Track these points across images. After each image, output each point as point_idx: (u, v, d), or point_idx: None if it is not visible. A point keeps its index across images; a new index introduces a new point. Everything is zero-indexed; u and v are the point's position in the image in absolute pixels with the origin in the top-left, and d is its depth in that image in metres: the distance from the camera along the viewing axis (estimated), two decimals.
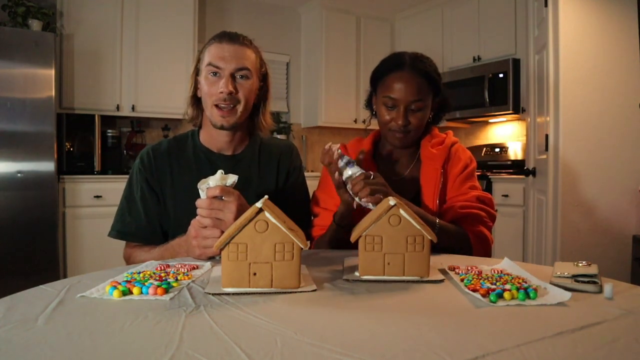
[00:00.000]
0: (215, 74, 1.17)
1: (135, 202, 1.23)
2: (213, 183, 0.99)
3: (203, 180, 1.00)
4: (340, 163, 1.06)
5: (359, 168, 1.06)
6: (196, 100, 1.26)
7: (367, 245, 0.85)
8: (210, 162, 1.26)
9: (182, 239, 1.07)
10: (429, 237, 0.84)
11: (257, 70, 1.23)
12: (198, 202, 0.99)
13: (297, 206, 1.30)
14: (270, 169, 1.31)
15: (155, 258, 1.13)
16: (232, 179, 1.01)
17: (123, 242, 1.28)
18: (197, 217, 1.01)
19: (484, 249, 1.21)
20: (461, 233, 1.18)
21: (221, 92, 1.16)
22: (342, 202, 1.13)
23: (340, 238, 1.17)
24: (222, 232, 0.96)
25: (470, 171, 1.29)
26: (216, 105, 1.18)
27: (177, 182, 1.24)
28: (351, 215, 1.14)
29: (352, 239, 0.86)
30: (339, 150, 1.07)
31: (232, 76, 1.17)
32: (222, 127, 1.20)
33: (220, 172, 1.00)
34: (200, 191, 1.00)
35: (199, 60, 1.23)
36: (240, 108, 1.19)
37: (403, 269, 0.85)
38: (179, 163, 1.26)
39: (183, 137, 1.32)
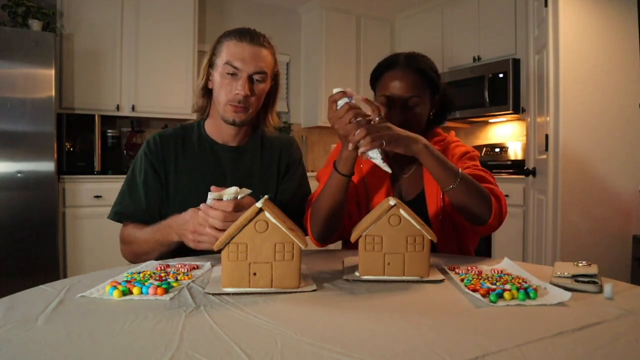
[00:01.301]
0: (232, 74, 1.17)
1: (136, 186, 1.24)
2: (226, 198, 0.97)
3: (217, 194, 0.97)
4: (341, 101, 0.97)
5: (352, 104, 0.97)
6: (207, 92, 1.27)
7: (367, 245, 0.85)
8: (214, 152, 1.28)
9: (177, 222, 1.07)
10: (429, 237, 0.84)
11: (272, 71, 1.25)
12: (206, 210, 0.97)
13: (299, 198, 1.30)
14: (271, 161, 1.32)
15: (146, 237, 1.14)
16: (245, 193, 0.99)
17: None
18: (200, 214, 0.99)
19: (499, 205, 1.08)
20: (482, 188, 1.07)
21: (237, 94, 1.17)
22: (342, 144, 1.04)
23: (338, 191, 1.07)
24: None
25: (471, 156, 1.27)
26: (230, 104, 1.19)
27: (181, 169, 1.25)
28: (352, 163, 1.04)
29: (352, 239, 0.86)
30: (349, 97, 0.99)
31: (250, 78, 1.18)
32: (233, 123, 1.22)
33: (235, 188, 0.98)
34: (209, 198, 0.98)
35: (213, 53, 1.22)
36: (252, 109, 1.22)
37: (403, 269, 0.85)
38: (184, 150, 1.27)
39: (189, 127, 1.33)
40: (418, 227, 0.84)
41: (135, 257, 1.21)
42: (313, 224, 1.15)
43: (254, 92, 1.19)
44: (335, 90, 0.99)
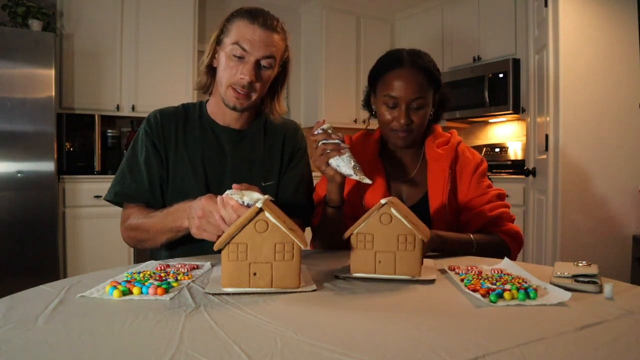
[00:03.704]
0: (240, 57, 1.12)
1: (138, 165, 1.20)
2: (247, 201, 0.91)
3: (238, 193, 0.91)
4: (319, 133, 1.08)
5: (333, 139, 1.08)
6: (211, 69, 1.22)
7: (359, 242, 0.86)
8: (215, 134, 1.24)
9: (187, 205, 1.03)
10: (420, 236, 0.84)
11: (281, 57, 1.19)
12: (227, 200, 0.91)
13: (304, 188, 1.28)
14: (274, 147, 1.28)
15: (153, 222, 1.10)
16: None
17: (123, 242, 1.26)
18: (218, 200, 0.93)
19: (518, 244, 1.23)
20: (496, 240, 1.21)
21: (242, 78, 1.12)
22: (328, 180, 1.13)
23: (336, 220, 1.17)
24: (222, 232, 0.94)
25: (483, 170, 1.30)
26: (233, 88, 1.15)
27: (181, 147, 1.21)
28: (340, 193, 1.14)
29: (345, 236, 0.87)
30: (325, 126, 1.08)
31: (257, 63, 1.13)
32: (234, 108, 1.18)
33: (259, 195, 0.90)
34: (234, 191, 0.92)
35: (221, 30, 1.17)
36: (255, 95, 1.17)
37: (394, 267, 0.85)
38: (185, 129, 1.23)
39: (191, 106, 1.29)
40: (409, 226, 0.84)
41: (138, 243, 1.18)
42: (317, 248, 1.26)
43: (260, 77, 1.14)
44: (318, 131, 1.09)
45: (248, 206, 0.89)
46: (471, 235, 1.17)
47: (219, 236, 0.94)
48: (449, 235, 1.14)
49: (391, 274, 0.85)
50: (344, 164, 1.05)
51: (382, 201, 0.85)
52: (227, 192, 0.92)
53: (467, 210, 1.26)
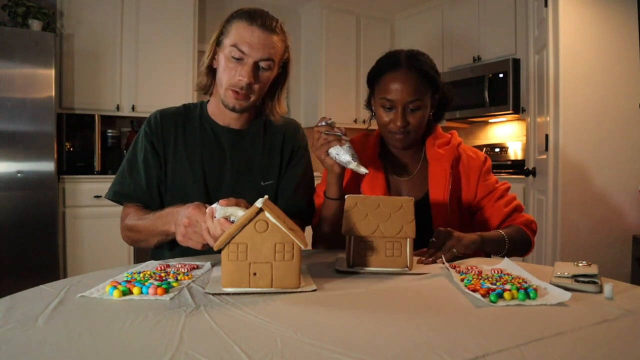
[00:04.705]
0: (238, 58, 1.12)
1: (137, 165, 1.22)
2: (232, 218, 0.88)
3: (224, 210, 0.88)
4: (322, 125, 1.12)
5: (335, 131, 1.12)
6: (211, 70, 1.22)
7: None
8: (214, 134, 1.24)
9: (175, 210, 1.02)
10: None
11: (280, 59, 1.19)
12: (211, 213, 0.90)
13: (304, 187, 1.28)
14: (274, 145, 1.28)
15: (146, 225, 1.11)
16: None
17: (123, 242, 1.26)
18: (207, 211, 0.91)
19: (534, 232, 1.29)
20: (520, 231, 1.25)
21: (240, 80, 1.13)
22: (327, 171, 1.16)
23: (335, 214, 1.17)
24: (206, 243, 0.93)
25: (488, 168, 1.33)
26: (232, 89, 1.15)
27: (180, 148, 1.22)
28: (340, 184, 1.17)
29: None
30: (330, 121, 1.13)
31: (256, 64, 1.13)
32: (233, 109, 1.18)
33: (244, 213, 0.88)
34: (219, 207, 0.89)
35: (221, 32, 1.17)
36: (253, 97, 1.17)
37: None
38: (185, 130, 1.24)
39: (192, 106, 1.29)
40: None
41: (134, 243, 1.20)
42: (319, 246, 1.27)
43: (259, 79, 1.15)
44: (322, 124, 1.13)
45: (233, 222, 0.86)
46: (501, 232, 1.19)
47: (203, 245, 0.95)
48: (487, 234, 1.16)
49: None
50: (342, 152, 1.08)
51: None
52: (214, 205, 0.90)
53: (482, 209, 1.29)
